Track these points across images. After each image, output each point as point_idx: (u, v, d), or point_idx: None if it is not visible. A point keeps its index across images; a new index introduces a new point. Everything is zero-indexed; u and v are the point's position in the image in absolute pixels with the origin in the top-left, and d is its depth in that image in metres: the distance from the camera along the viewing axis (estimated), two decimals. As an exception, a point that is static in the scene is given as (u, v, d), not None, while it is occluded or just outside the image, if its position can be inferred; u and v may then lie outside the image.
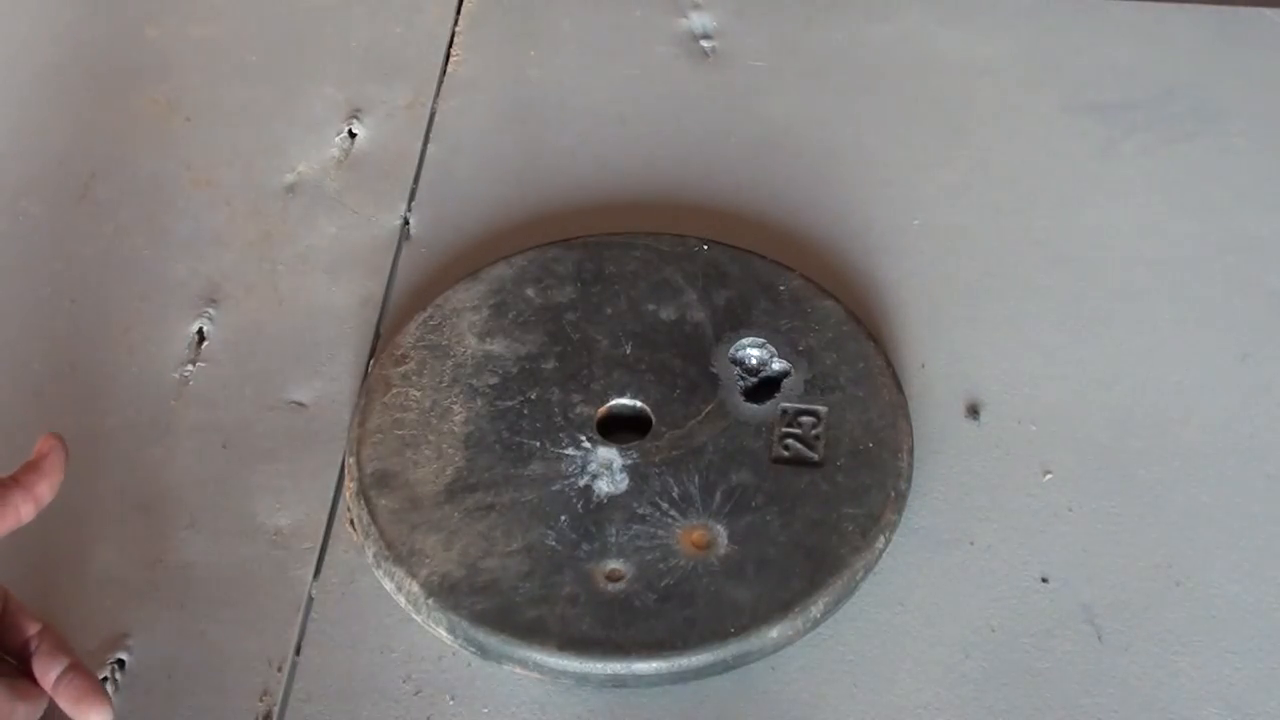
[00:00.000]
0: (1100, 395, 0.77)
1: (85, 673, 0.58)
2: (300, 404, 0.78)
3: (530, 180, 0.89)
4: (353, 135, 0.92)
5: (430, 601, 0.67)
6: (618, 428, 0.74)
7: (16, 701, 0.55)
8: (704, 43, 0.97)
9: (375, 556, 0.70)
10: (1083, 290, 0.82)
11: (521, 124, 0.93)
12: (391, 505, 0.71)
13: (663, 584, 0.67)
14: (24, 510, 0.57)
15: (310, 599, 0.71)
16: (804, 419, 0.74)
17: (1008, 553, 0.71)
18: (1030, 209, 0.87)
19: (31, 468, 0.59)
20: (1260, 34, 0.96)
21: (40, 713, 0.56)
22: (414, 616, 0.68)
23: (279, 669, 0.68)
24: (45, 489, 0.58)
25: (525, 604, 0.67)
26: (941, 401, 0.77)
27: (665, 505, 0.70)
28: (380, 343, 0.80)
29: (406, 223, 0.87)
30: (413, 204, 0.88)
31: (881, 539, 0.69)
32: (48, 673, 0.58)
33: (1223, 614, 0.69)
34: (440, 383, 0.76)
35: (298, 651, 0.69)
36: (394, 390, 0.76)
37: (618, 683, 0.66)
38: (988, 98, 0.93)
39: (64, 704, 0.58)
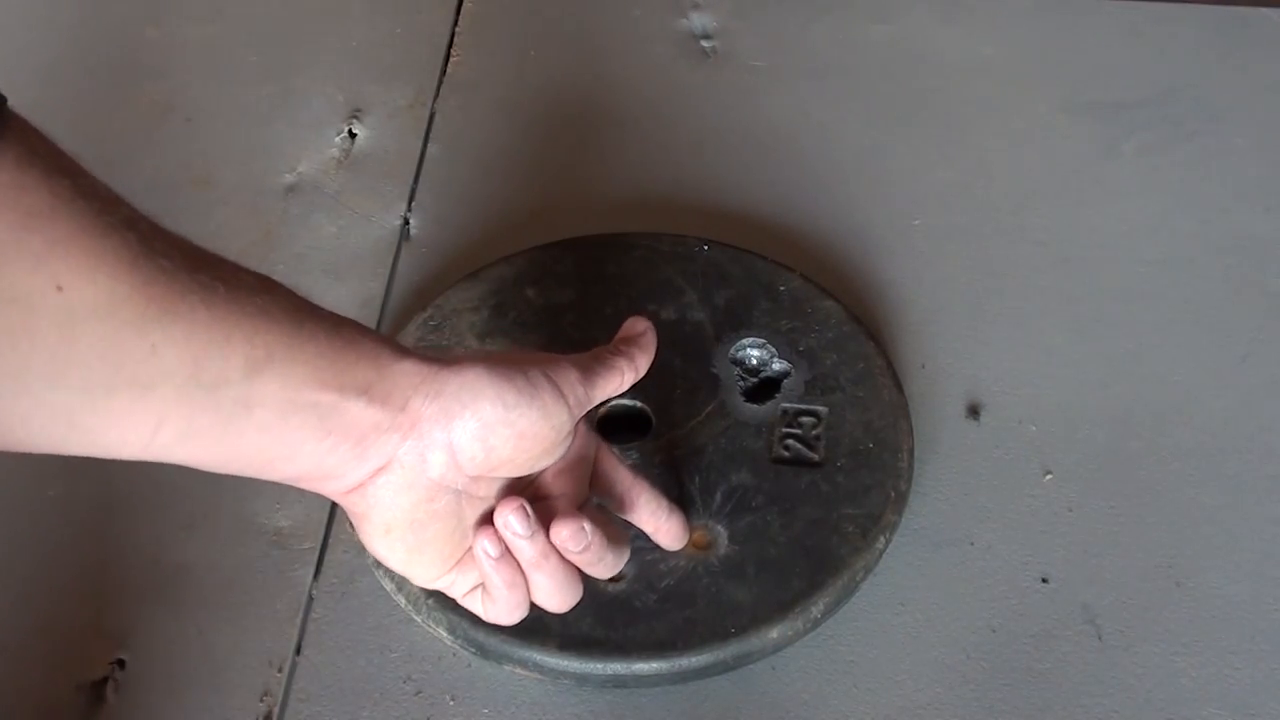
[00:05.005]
0: (1100, 395, 0.77)
1: (681, 515, 0.65)
2: (300, 404, 0.78)
3: (530, 180, 0.89)
4: (353, 135, 0.92)
5: (430, 601, 0.67)
6: (618, 428, 0.74)
7: (606, 550, 0.57)
8: (704, 43, 0.97)
9: (375, 556, 0.70)
10: (1083, 290, 0.82)
11: (521, 124, 0.93)
12: (391, 505, 0.71)
13: (663, 584, 0.67)
14: (627, 377, 0.59)
15: (310, 599, 0.71)
16: (804, 419, 0.74)
17: (1008, 553, 0.71)
18: (1030, 209, 0.87)
19: (630, 341, 0.60)
20: (1260, 34, 0.97)
21: (623, 561, 0.59)
22: (414, 616, 0.68)
23: (279, 669, 0.68)
24: (643, 361, 0.60)
25: (525, 604, 0.67)
26: (941, 401, 0.77)
27: (665, 505, 0.70)
28: (380, 343, 0.80)
29: (406, 223, 0.87)
30: (413, 204, 0.88)
31: (881, 539, 0.69)
32: (654, 517, 0.63)
33: (1223, 614, 0.69)
34: (440, 383, 0.76)
35: (298, 651, 0.69)
36: (394, 390, 0.75)
37: (618, 683, 0.66)
38: (988, 98, 0.93)
39: (664, 541, 0.64)
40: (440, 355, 0.53)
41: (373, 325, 0.81)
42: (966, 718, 0.66)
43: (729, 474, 0.71)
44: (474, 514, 0.54)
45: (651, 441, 0.73)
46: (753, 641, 0.66)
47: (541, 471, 0.56)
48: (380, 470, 0.51)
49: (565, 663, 0.66)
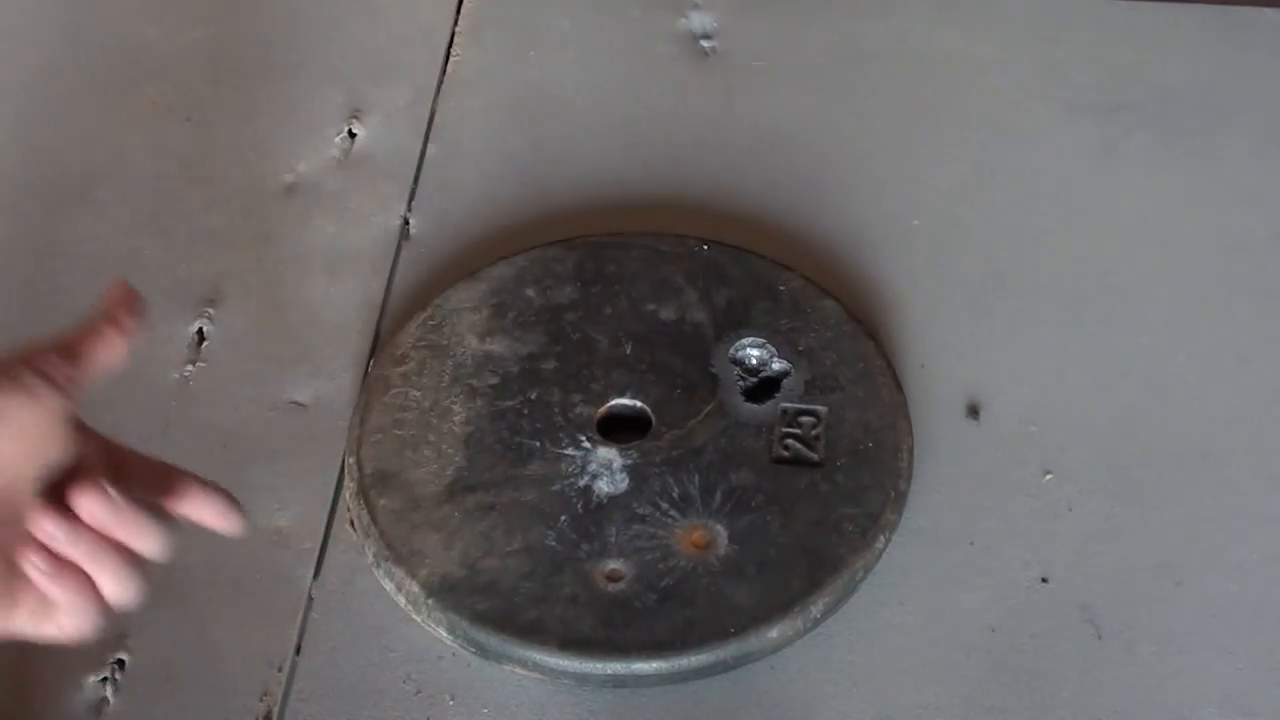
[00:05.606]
0: (1100, 395, 0.77)
1: (223, 493, 0.57)
2: (300, 404, 0.78)
3: (530, 180, 0.89)
4: (353, 135, 0.92)
5: (430, 601, 0.67)
6: (618, 428, 0.74)
7: (140, 515, 0.52)
8: (704, 43, 0.97)
9: (375, 556, 0.70)
10: (1083, 290, 0.82)
11: (521, 124, 0.93)
12: (391, 505, 0.71)
13: (663, 584, 0.67)
14: (119, 339, 0.55)
15: (310, 599, 0.71)
16: (804, 419, 0.74)
17: (1008, 553, 0.71)
18: (1030, 209, 0.87)
19: (111, 304, 0.56)
20: (1260, 34, 0.96)
21: (165, 533, 0.53)
22: (414, 616, 0.68)
23: (279, 669, 0.68)
24: (128, 318, 0.56)
25: (525, 604, 0.67)
26: (941, 401, 0.77)
27: (665, 505, 0.70)
28: (380, 343, 0.80)
29: (406, 223, 0.87)
30: (413, 204, 0.88)
31: (881, 539, 0.69)
32: (197, 495, 0.56)
33: (1223, 614, 0.69)
34: (440, 383, 0.76)
35: (298, 651, 0.69)
36: (394, 390, 0.76)
37: (618, 683, 0.66)
38: (988, 98, 0.93)
39: (214, 521, 0.56)
40: None
41: (372, 325, 0.81)
42: (966, 718, 0.66)
43: (729, 474, 0.71)
44: (12, 541, 0.51)
45: (651, 441, 0.73)
46: (752, 641, 0.66)
47: (67, 478, 0.53)
48: None
49: (565, 663, 0.66)
